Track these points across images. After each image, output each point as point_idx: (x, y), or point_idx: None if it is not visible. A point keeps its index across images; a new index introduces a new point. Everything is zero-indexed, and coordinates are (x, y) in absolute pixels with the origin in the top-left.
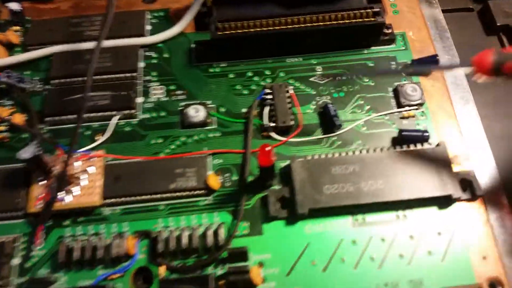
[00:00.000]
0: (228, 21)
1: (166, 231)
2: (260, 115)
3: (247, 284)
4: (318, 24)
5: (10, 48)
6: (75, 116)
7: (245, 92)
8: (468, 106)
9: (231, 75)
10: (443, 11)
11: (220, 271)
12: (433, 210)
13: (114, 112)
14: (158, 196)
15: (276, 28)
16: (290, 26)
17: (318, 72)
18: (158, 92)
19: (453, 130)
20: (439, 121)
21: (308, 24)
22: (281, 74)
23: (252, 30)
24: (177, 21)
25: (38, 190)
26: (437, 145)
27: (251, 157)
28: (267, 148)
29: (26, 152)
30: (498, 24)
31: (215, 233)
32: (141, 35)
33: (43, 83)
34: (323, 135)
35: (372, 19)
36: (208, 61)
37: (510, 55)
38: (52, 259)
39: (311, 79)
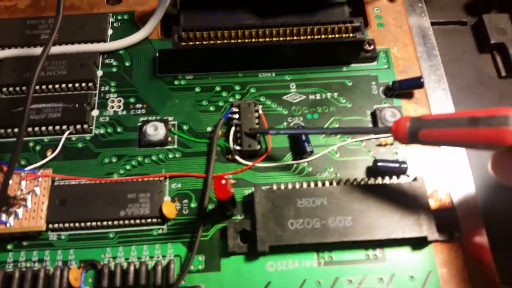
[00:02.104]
0: (193, 30)
1: (113, 263)
2: (227, 135)
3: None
4: (292, 38)
5: None
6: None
7: (211, 108)
8: None
9: (197, 89)
10: (434, 23)
11: None
12: (406, 251)
13: (65, 126)
14: (108, 223)
15: (247, 40)
16: (262, 39)
17: (292, 90)
18: (115, 105)
19: (434, 161)
20: (419, 151)
21: (282, 38)
22: (252, 90)
23: (219, 41)
24: (142, 25)
25: None
26: (414, 179)
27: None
28: (223, 181)
29: None
30: (492, 41)
31: (166, 268)
32: (102, 40)
33: None
34: (292, 160)
35: (351, 35)
36: (173, 72)
37: (423, 122)
38: None
39: (284, 97)
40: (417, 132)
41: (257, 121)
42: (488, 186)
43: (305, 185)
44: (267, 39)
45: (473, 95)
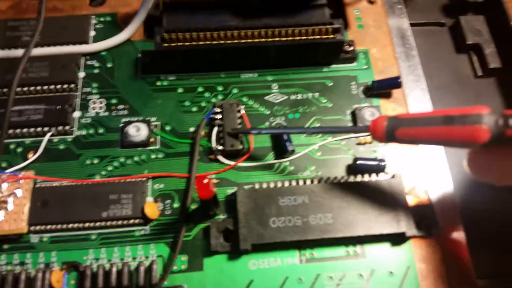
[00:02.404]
0: (176, 31)
1: (94, 265)
2: (209, 135)
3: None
4: (274, 39)
5: None
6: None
7: (194, 109)
8: None
9: (180, 90)
10: (413, 24)
11: None
12: (385, 247)
13: (47, 128)
14: (90, 224)
15: (229, 41)
16: (244, 40)
17: (274, 90)
18: (97, 106)
19: (412, 158)
20: (398, 149)
21: (263, 39)
22: (234, 91)
23: (202, 42)
24: (124, 27)
25: None
26: (392, 176)
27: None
28: (205, 181)
29: None
30: (468, 42)
31: (149, 268)
32: (84, 42)
33: None
34: (274, 160)
35: (331, 36)
36: (155, 73)
37: (400, 121)
38: None
39: (266, 97)
40: (394, 131)
41: (239, 121)
42: (466, 183)
43: (286, 183)
44: (249, 40)
45: (451, 94)
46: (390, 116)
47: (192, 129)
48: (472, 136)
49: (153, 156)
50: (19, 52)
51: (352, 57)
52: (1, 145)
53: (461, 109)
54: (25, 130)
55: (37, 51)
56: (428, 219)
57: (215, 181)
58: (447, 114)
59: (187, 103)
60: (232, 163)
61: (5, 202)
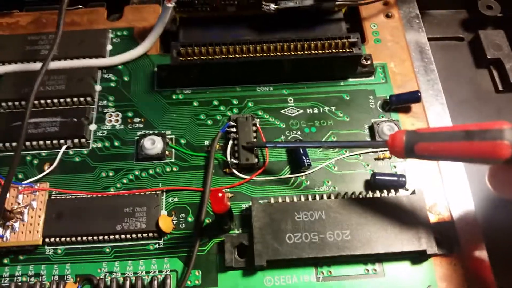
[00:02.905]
0: (192, 46)
1: (108, 279)
2: (224, 149)
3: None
4: (289, 53)
5: None
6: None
7: (209, 122)
8: None
9: (195, 103)
10: (431, 39)
11: None
12: (405, 265)
13: (63, 141)
14: (104, 237)
15: (244, 55)
16: (260, 54)
17: (290, 104)
18: (113, 119)
19: (433, 174)
20: (417, 164)
21: (279, 53)
22: (250, 104)
23: (217, 56)
24: (141, 41)
25: None
26: (413, 192)
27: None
28: (219, 194)
29: None
30: (488, 56)
31: (163, 283)
32: (101, 56)
33: None
34: (290, 174)
35: (348, 50)
36: (171, 86)
37: (419, 135)
38: None
39: (282, 111)
40: (413, 146)
41: (254, 134)
42: (487, 200)
43: (303, 198)
44: (265, 54)
45: (471, 109)
46: (409, 130)
47: (207, 143)
48: (493, 152)
49: (168, 169)
50: (37, 65)
51: (369, 71)
52: (18, 157)
53: (482, 124)
54: (41, 142)
55: (55, 65)
56: (450, 237)
57: (229, 195)
58: (467, 129)
59: (202, 117)
60: (247, 177)
61: (21, 213)
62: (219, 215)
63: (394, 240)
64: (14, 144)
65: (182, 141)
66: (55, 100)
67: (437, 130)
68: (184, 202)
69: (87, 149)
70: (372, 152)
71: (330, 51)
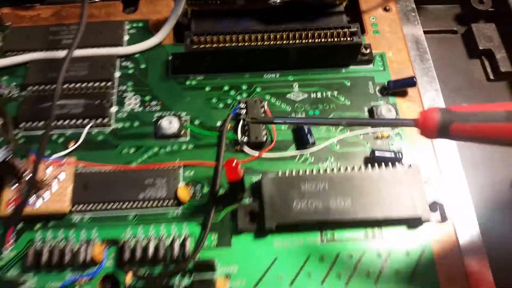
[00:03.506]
0: (204, 35)
1: (133, 240)
2: (235, 129)
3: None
4: (294, 41)
5: None
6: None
7: (221, 105)
8: None
9: (207, 88)
10: (427, 32)
11: (186, 280)
12: (402, 229)
13: (87, 120)
14: (127, 204)
15: (253, 44)
16: (267, 42)
17: (295, 89)
18: (132, 102)
19: (427, 154)
20: (413, 143)
21: (285, 41)
22: (258, 89)
23: (228, 45)
24: (155, 32)
25: (10, 194)
26: (409, 166)
27: (223, 171)
28: (233, 163)
29: None
30: (480, 48)
31: (182, 244)
32: (119, 45)
33: (19, 89)
34: (296, 151)
35: (349, 39)
36: (185, 73)
37: (456, 115)
38: (22, 261)
39: (288, 95)
40: (448, 125)
41: (263, 115)
42: (477, 176)
43: (308, 171)
44: (272, 43)
45: (464, 97)
46: (442, 109)
47: (218, 123)
48: None
49: (183, 147)
50: (60, 53)
51: (369, 59)
52: (48, 132)
53: None
54: (66, 122)
55: (78, 53)
56: (442, 206)
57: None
58: (509, 109)
59: (214, 100)
60: (256, 153)
61: (49, 184)
62: (233, 184)
63: (391, 207)
64: (41, 123)
65: (196, 122)
66: (78, 85)
67: (475, 109)
68: (199, 175)
69: (109, 128)
70: (372, 132)
71: (332, 39)
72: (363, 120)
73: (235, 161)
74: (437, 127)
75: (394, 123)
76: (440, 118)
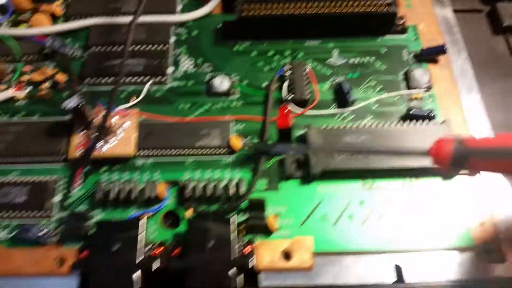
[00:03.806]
0: (252, 2)
1: (192, 182)
2: (280, 89)
3: (264, 230)
4: (335, 10)
5: (54, 18)
6: (111, 78)
7: (266, 68)
8: (472, 94)
9: (254, 53)
10: (454, 11)
11: (240, 218)
12: (437, 180)
13: (147, 78)
14: (186, 151)
15: (296, 12)
16: (310, 11)
17: (334, 55)
18: (186, 64)
19: (457, 114)
20: (444, 105)
21: (326, 10)
22: (300, 55)
23: (273, 13)
24: (205, 3)
25: (79, 139)
26: (442, 122)
27: (270, 125)
28: (286, 110)
29: (71, 102)
30: (504, 24)
31: (237, 185)
32: (173, 13)
33: (82, 50)
34: (337, 109)
35: (385, 9)
36: (233, 39)
37: (472, 150)
38: (89, 199)
39: (327, 61)
40: (464, 161)
41: (306, 77)
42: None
43: (350, 125)
44: (314, 11)
45: (489, 68)
46: (457, 141)
47: (264, 84)
48: None
49: (233, 104)
50: (119, 19)
51: (402, 29)
52: (118, 87)
53: None
54: (128, 79)
55: (139, 18)
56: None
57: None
58: None
59: (260, 64)
60: (301, 110)
61: (115, 132)
62: (282, 132)
63: (425, 158)
64: (105, 79)
65: (244, 82)
66: (137, 47)
67: (491, 145)
68: (248, 129)
69: (166, 86)
70: (407, 94)
71: (370, 9)
72: (378, 149)
73: (288, 108)
74: (451, 161)
75: (408, 153)
76: (455, 152)
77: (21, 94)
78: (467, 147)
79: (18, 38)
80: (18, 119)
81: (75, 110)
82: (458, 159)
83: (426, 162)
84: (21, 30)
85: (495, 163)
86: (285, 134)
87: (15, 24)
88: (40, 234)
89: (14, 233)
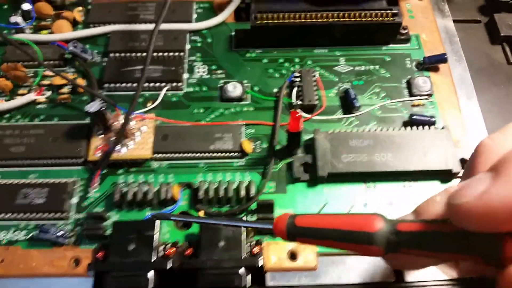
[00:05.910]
0: (265, 12)
1: (204, 184)
2: (289, 95)
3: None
4: (343, 20)
5: (74, 24)
6: (129, 84)
7: (277, 75)
8: (471, 100)
9: (265, 60)
10: (454, 21)
11: (250, 219)
12: (435, 183)
13: (163, 84)
14: (199, 155)
15: (307, 21)
16: (319, 20)
17: (341, 63)
18: (201, 70)
19: (456, 120)
20: (444, 111)
21: (335, 19)
22: (309, 62)
23: (285, 21)
24: (219, 12)
25: (98, 142)
26: (442, 128)
27: (280, 130)
28: (297, 114)
29: (93, 107)
30: (501, 34)
31: (247, 187)
32: (189, 21)
33: (101, 56)
34: (343, 115)
35: (391, 19)
36: (245, 47)
37: (299, 230)
38: (106, 200)
39: (335, 68)
40: (295, 238)
41: (314, 83)
42: None
43: (355, 130)
44: (323, 21)
45: (487, 76)
46: (288, 220)
47: (274, 90)
48: (367, 253)
49: (245, 109)
50: (137, 26)
51: (406, 38)
52: (139, 92)
53: (354, 223)
54: (145, 84)
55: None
56: None
57: None
58: (342, 228)
59: (270, 71)
60: (309, 115)
61: (133, 134)
62: (292, 135)
63: (426, 162)
64: (123, 84)
65: (256, 88)
66: (155, 54)
67: (317, 225)
68: (259, 133)
69: (182, 91)
70: (409, 100)
71: (376, 19)
72: (225, 221)
73: (299, 113)
74: (287, 236)
75: (255, 227)
76: (287, 230)
77: (42, 97)
78: (295, 227)
79: (39, 43)
80: (39, 122)
81: (96, 114)
82: (292, 235)
83: (426, 165)
84: (43, 36)
85: (317, 242)
86: (294, 138)
87: (37, 30)
88: (59, 234)
89: (31, 234)
